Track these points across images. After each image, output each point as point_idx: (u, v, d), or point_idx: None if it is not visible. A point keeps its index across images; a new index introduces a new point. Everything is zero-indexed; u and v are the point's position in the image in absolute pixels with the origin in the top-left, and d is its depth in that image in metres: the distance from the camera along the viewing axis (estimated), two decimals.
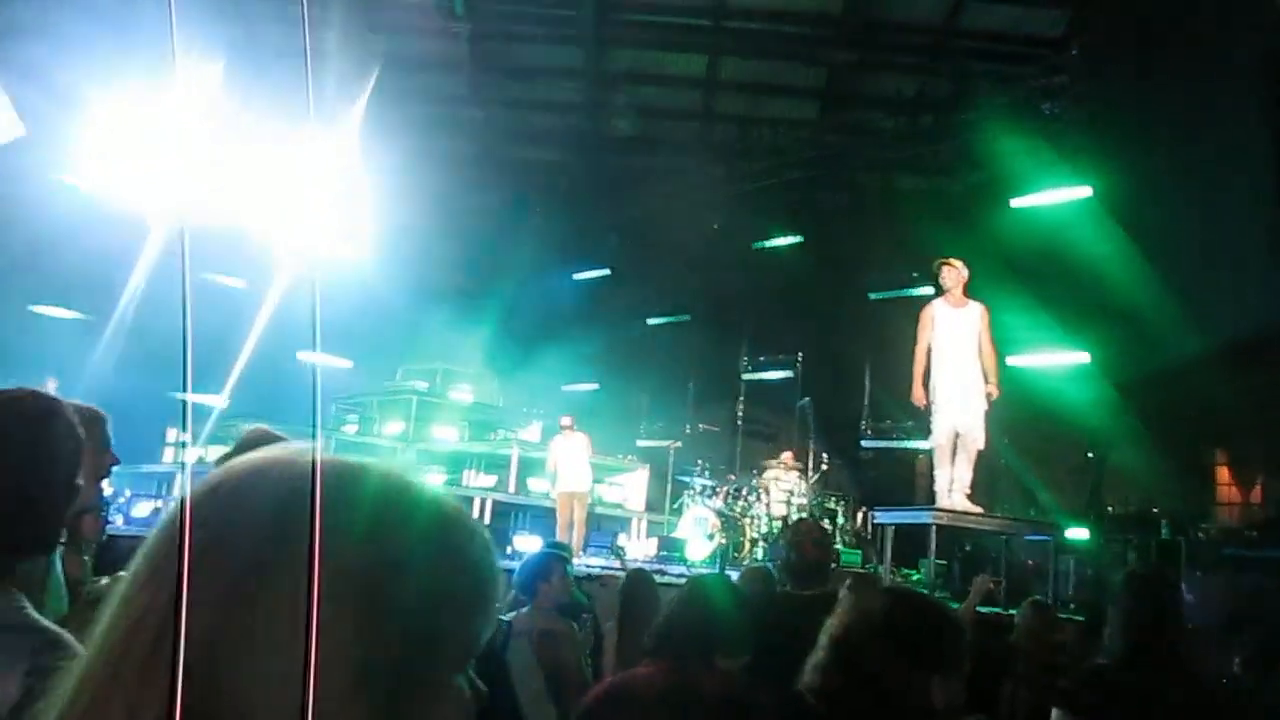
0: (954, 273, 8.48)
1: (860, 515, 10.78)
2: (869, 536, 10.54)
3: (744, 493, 10.76)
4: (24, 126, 11.59)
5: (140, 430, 11.37)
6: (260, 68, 9.72)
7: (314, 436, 0.65)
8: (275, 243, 11.23)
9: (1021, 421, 11.74)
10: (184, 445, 11.15)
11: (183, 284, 0.66)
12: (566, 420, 10.77)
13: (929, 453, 13.27)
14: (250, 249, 12.81)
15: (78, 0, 10.35)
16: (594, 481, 12.16)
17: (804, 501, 10.69)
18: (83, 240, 10.69)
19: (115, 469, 2.34)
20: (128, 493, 10.68)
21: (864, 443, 12.22)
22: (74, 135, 11.23)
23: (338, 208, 11.23)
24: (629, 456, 12.85)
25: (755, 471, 11.23)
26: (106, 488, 3.05)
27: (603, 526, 11.99)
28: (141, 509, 9.60)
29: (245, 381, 12.17)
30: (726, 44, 12.38)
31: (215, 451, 12.13)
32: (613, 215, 13.75)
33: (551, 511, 11.24)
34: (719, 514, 10.51)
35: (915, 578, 9.64)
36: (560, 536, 9.83)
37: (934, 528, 8.13)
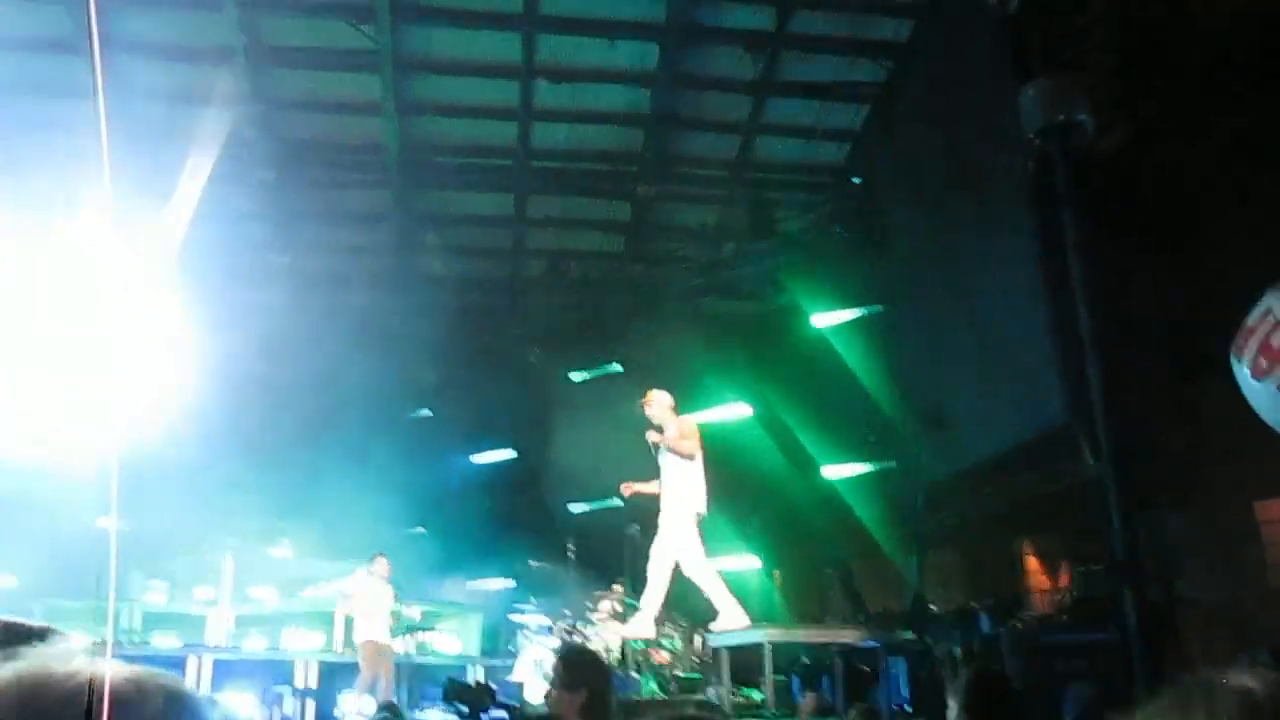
0: (653, 405, 8.85)
1: (696, 638, 10.76)
2: (708, 659, 10.51)
3: (579, 628, 10.59)
4: None
5: None
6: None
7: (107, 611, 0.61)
8: (69, 402, 10.59)
9: (846, 530, 12.16)
10: None
11: None
12: (381, 564, 10.36)
13: (761, 570, 13.55)
14: (41, 410, 12.00)
15: None
16: (424, 628, 11.74)
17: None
18: None
19: None
20: None
21: None
22: None
23: (140, 363, 10.72)
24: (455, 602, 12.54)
25: (589, 605, 11.08)
26: None
27: (435, 677, 11.51)
28: None
29: (43, 555, 11.30)
30: (533, 183, 12.73)
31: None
32: (431, 354, 13.65)
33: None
34: (555, 651, 10.28)
35: (758, 697, 9.65)
36: (361, 693, 9.41)
37: (768, 645, 8.20)
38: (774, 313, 12.31)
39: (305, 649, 11.20)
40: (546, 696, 4.15)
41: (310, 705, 10.39)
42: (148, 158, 10.85)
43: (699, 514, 8.65)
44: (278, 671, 10.79)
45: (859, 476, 11.58)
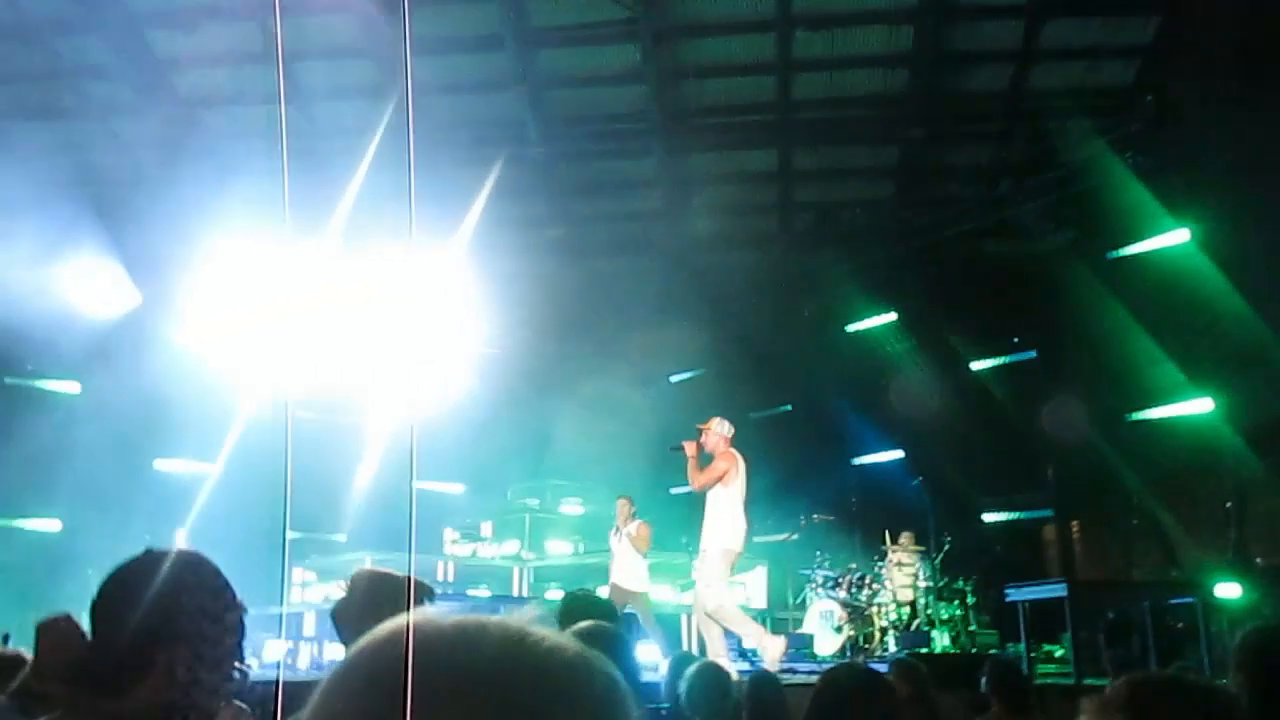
0: (711, 434, 8.40)
1: (990, 592, 10.41)
2: (1001, 614, 10.16)
3: (868, 580, 10.50)
4: (139, 294, 12.37)
5: (264, 572, 11.69)
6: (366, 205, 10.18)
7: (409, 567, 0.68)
8: (382, 377, 11.66)
9: (1153, 478, 11.31)
10: (287, 587, 11.41)
11: (286, 437, 0.72)
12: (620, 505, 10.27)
13: (1054, 520, 12.87)
14: (360, 386, 13.30)
15: (184, 168, 11.10)
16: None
17: (929, 584, 10.37)
18: (200, 397, 11.25)
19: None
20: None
21: (985, 516, 11.89)
22: (185, 298, 11.93)
23: (442, 336, 11.61)
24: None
25: (876, 558, 10.96)
26: None
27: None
28: (272, 651, 9.80)
29: (365, 515, 12.53)
30: (797, 136, 12.58)
31: (338, 588, 12.41)
32: (705, 315, 13.87)
33: (672, 617, 11.09)
34: (845, 605, 10.26)
35: (1058, 653, 9.23)
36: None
37: (1068, 600, 7.81)
38: (1058, 251, 11.54)
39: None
40: None
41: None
42: (426, 151, 11.66)
43: (730, 550, 8.24)
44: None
45: (1167, 420, 10.70)
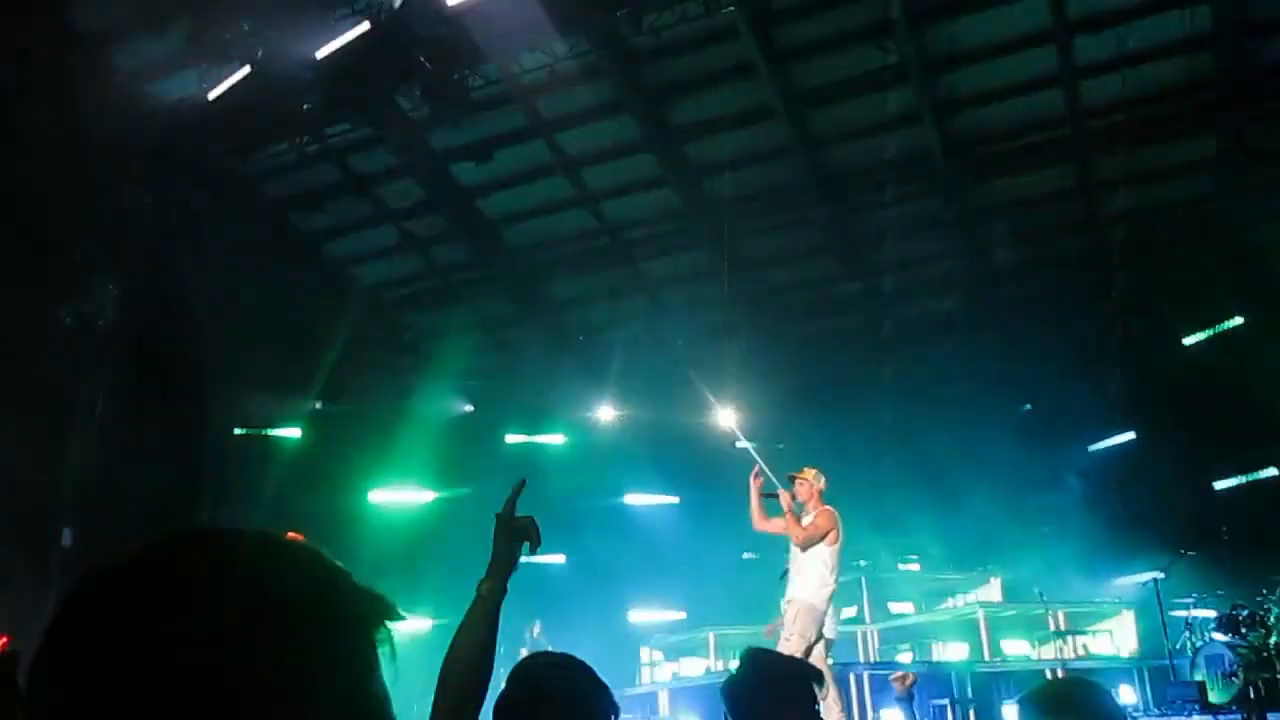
0: (805, 485, 7.82)
1: None
2: None
3: (1258, 618, 9.31)
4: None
5: (620, 655, 12.14)
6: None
7: None
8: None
9: None
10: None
11: None
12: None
13: None
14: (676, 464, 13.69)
15: None
16: (1072, 633, 11.12)
17: None
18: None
19: None
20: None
21: None
22: None
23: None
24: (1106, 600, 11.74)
25: (1264, 590, 9.73)
26: None
27: (1105, 679, 10.82)
28: None
29: (702, 591, 12.76)
30: (1094, 145, 11.81)
31: (688, 664, 12.63)
32: (1021, 347, 13.18)
33: (1034, 674, 10.37)
34: (1236, 648, 9.15)
35: None
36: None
37: None
38: None
39: (955, 659, 11.20)
40: None
41: (972, 715, 10.32)
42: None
43: (815, 608, 7.45)
44: (932, 683, 10.88)
45: None
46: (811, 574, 7.67)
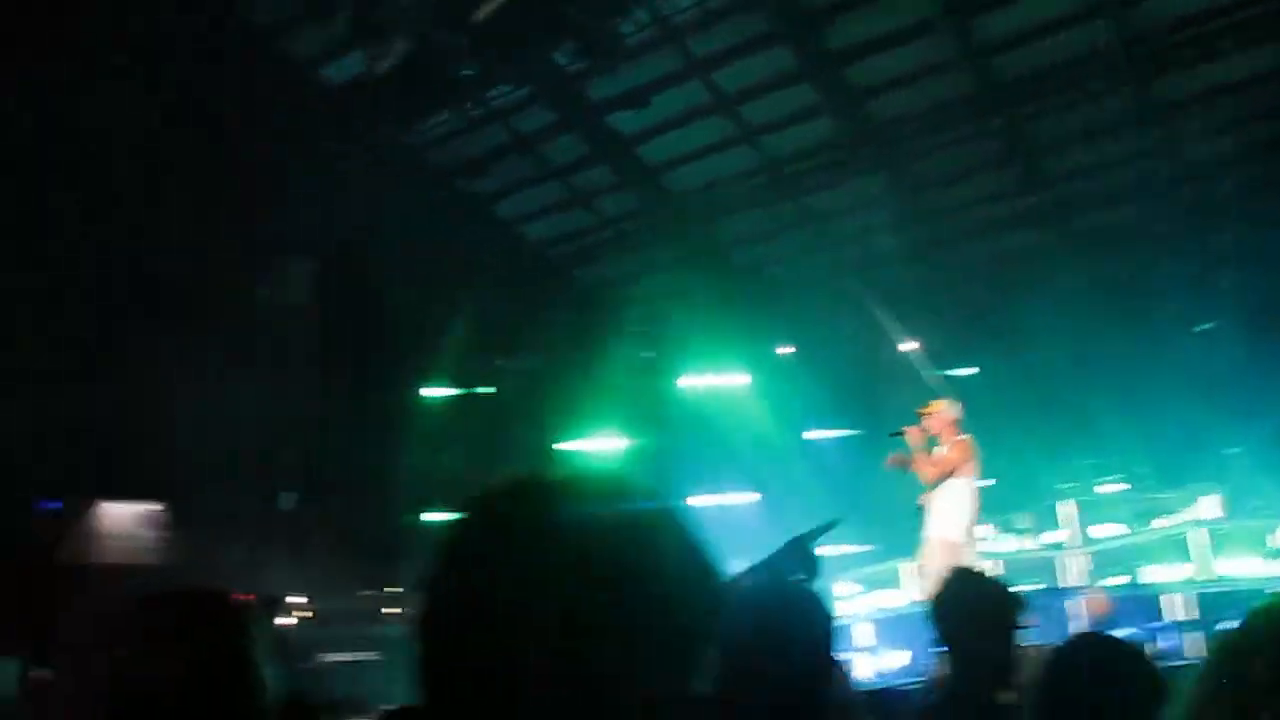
0: (936, 418, 7.61)
1: None
2: None
3: None
4: None
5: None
6: None
7: None
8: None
9: None
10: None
11: None
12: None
13: None
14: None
15: None
16: None
17: None
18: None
19: None
20: None
21: None
22: None
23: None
24: None
25: None
26: None
27: None
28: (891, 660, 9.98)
29: (893, 524, 12.62)
30: None
31: (880, 597, 12.50)
32: (1212, 255, 12.34)
33: (1255, 592, 9.74)
34: None
35: None
36: None
37: None
38: None
39: (1169, 581, 10.64)
40: None
41: (1190, 639, 9.79)
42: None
43: (952, 543, 7.03)
44: (1141, 608, 10.42)
45: None
46: (948, 509, 7.45)
